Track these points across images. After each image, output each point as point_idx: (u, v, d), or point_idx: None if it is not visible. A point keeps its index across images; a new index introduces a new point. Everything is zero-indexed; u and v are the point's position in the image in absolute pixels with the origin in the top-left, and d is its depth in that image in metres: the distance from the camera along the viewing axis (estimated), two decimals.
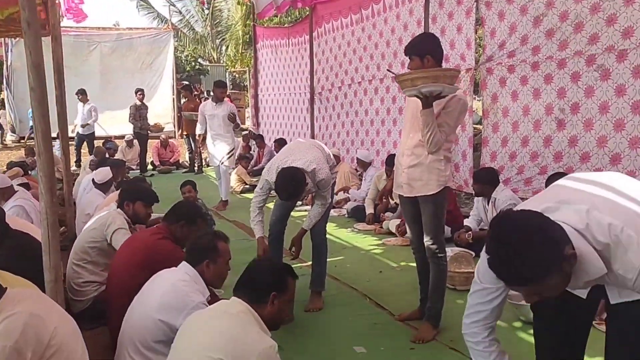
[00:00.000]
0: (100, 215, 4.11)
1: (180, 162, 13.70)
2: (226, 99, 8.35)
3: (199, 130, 8.59)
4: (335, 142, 10.12)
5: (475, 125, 7.54)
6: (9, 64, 16.14)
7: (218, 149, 8.31)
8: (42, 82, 2.78)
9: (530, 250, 1.61)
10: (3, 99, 17.59)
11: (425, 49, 3.47)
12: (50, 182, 2.85)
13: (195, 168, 12.65)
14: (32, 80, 2.75)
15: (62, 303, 2.92)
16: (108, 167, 6.66)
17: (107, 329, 3.50)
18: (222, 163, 8.32)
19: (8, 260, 3.39)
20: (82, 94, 12.66)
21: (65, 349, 2.38)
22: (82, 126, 12.50)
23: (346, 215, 7.63)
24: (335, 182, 4.64)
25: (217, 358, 2.08)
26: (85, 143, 12.78)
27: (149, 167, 13.10)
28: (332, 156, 4.50)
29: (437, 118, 3.43)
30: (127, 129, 13.45)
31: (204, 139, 8.50)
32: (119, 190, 4.49)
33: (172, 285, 2.83)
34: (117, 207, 4.07)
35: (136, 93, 12.55)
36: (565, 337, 2.14)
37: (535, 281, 1.64)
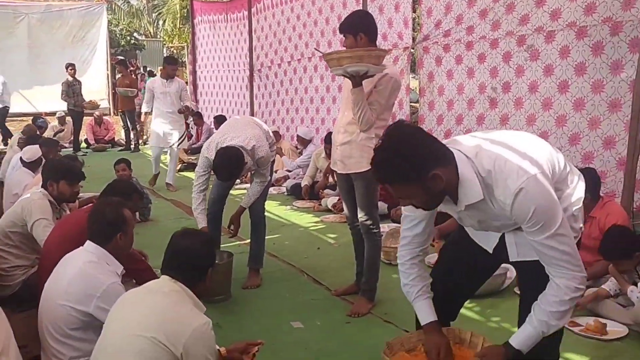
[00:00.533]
0: (22, 198, 3.93)
1: (116, 139, 13.32)
2: (176, 76, 8.15)
3: (145, 108, 8.38)
4: (275, 119, 10.05)
5: (412, 104, 7.66)
6: None
7: (168, 130, 8.12)
8: None
9: (395, 156, 1.85)
10: None
11: (358, 27, 3.48)
12: None
13: (132, 146, 12.32)
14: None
15: None
16: (37, 145, 6.37)
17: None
18: (173, 145, 8.18)
19: None
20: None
21: None
22: None
23: (285, 193, 7.64)
24: (274, 160, 4.62)
25: (150, 337, 2.05)
26: None
27: (83, 145, 12.66)
28: (271, 133, 4.48)
29: (368, 97, 3.46)
30: (59, 106, 12.92)
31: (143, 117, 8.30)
32: None
33: (79, 270, 2.71)
34: (41, 187, 3.90)
35: (67, 68, 12.01)
36: (457, 271, 2.39)
37: (393, 183, 1.91)
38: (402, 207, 2.27)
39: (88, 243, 2.83)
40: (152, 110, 8.27)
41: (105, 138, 13.16)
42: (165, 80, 8.00)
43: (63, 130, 12.80)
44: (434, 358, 2.22)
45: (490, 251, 2.23)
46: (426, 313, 2.28)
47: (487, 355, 2.11)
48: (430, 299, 2.30)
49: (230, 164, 3.78)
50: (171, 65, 8.09)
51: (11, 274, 3.69)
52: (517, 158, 1.92)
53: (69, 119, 12.40)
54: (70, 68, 11.98)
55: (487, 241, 2.22)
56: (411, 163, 1.84)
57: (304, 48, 9.12)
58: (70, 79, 11.87)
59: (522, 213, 1.87)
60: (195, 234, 2.51)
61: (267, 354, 2.92)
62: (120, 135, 13.40)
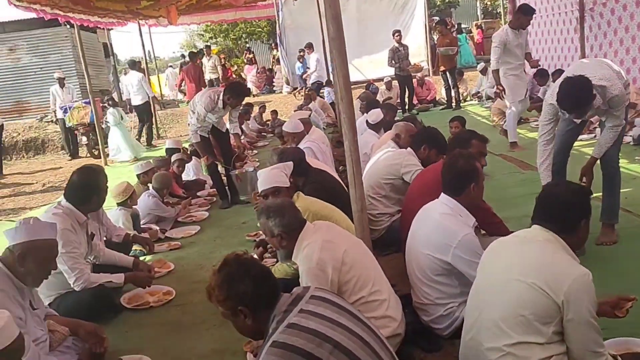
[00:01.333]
0: (391, 154, 4.41)
1: (437, 99, 13.76)
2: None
3: (494, 65, 7.41)
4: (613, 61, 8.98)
5: None
6: (280, 22, 17.83)
7: (519, 86, 7.45)
8: (341, 32, 3.04)
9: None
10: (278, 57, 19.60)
11: None
12: (351, 121, 3.15)
13: (453, 104, 12.54)
14: (332, 31, 3.03)
15: (366, 229, 3.26)
16: (379, 109, 7.04)
17: (401, 255, 3.80)
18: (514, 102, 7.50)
19: (314, 192, 3.92)
20: (308, 47, 14.47)
21: (358, 266, 2.74)
22: None
23: (632, 143, 6.83)
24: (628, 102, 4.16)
25: (529, 282, 2.12)
26: None
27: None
28: (622, 74, 4.04)
29: None
30: (385, 72, 13.92)
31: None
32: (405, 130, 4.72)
33: (436, 222, 2.92)
34: (409, 147, 4.33)
35: (393, 35, 12.75)
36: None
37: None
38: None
39: (442, 195, 3.04)
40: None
41: (428, 98, 13.70)
42: (516, 31, 7.27)
43: (391, 97, 13.78)
44: None
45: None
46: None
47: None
48: None
49: (576, 91, 3.55)
50: (527, 16, 7.26)
51: (379, 219, 4.23)
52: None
53: (395, 83, 13.25)
54: (396, 34, 12.69)
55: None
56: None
57: None
58: (396, 45, 12.60)
59: None
60: (567, 184, 2.46)
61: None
62: (441, 94, 13.79)
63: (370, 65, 17.21)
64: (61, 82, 12.32)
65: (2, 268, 2.77)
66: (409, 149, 4.35)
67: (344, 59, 3.08)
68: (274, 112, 13.19)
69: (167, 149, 7.50)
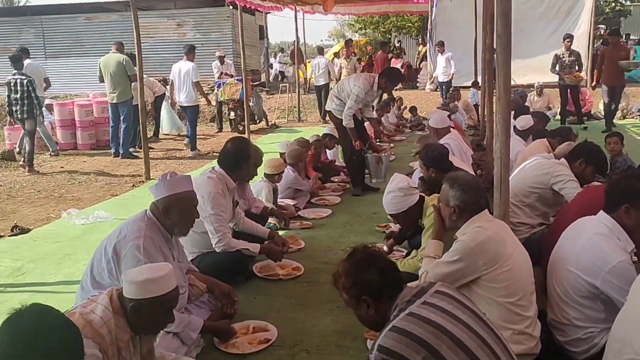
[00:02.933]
0: (542, 162, 4.19)
1: (592, 112, 12.87)
2: None
3: None
4: None
5: None
6: (433, 17, 17.57)
7: None
8: (509, 30, 2.93)
9: None
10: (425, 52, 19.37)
11: None
12: (507, 123, 3.03)
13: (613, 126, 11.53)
14: (500, 28, 2.93)
15: None
16: (529, 116, 6.69)
17: (539, 269, 3.61)
18: None
19: None
20: (440, 46, 14.24)
21: (515, 272, 2.63)
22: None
23: None
24: None
25: None
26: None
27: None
28: None
29: None
30: (537, 78, 13.21)
31: None
32: (567, 147, 4.47)
33: (588, 240, 2.71)
34: (563, 158, 4.10)
35: (564, 40, 11.85)
36: None
37: None
38: None
39: (601, 213, 2.81)
40: None
41: (582, 111, 12.81)
42: None
43: (539, 102, 13.06)
44: None
45: None
46: None
47: None
48: None
49: None
50: None
51: (518, 229, 4.04)
52: None
53: (546, 90, 12.52)
54: (567, 40, 11.74)
55: None
56: None
57: None
58: (563, 50, 11.68)
59: None
60: None
61: None
62: (597, 108, 12.87)
63: (520, 70, 16.42)
64: (221, 59, 13.33)
65: (152, 219, 3.02)
66: (562, 159, 4.10)
67: (508, 57, 2.96)
68: (414, 109, 13.09)
69: (324, 134, 7.66)
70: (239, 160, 4.08)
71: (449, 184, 2.85)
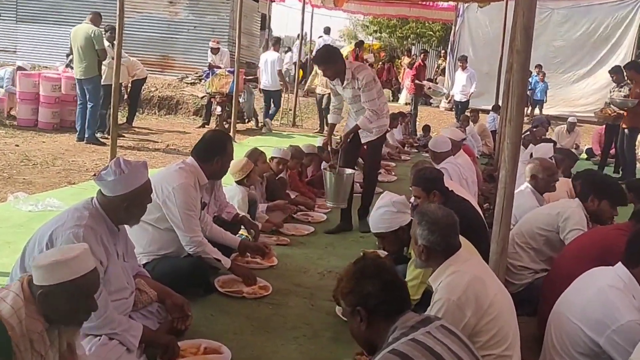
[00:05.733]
0: (556, 204, 4.23)
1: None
2: None
3: None
4: None
5: None
6: (456, 28, 17.78)
7: None
8: (529, 46, 2.98)
9: None
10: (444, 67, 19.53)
11: None
12: (515, 149, 3.07)
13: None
14: (520, 43, 2.97)
15: (502, 278, 3.15)
16: (551, 145, 6.80)
17: (534, 319, 3.63)
18: None
19: None
20: (462, 61, 14.58)
21: (500, 319, 2.62)
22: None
23: None
24: None
25: None
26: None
27: None
28: None
29: None
30: (566, 109, 13.42)
31: None
32: (573, 180, 4.53)
33: (599, 292, 2.73)
34: (576, 197, 4.13)
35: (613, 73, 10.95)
36: None
37: None
38: None
39: (619, 265, 2.81)
40: None
41: None
42: None
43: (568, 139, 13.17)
44: None
45: None
46: None
47: None
48: None
49: None
50: None
51: (519, 272, 4.06)
52: None
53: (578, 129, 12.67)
54: (616, 73, 10.77)
55: None
56: None
57: None
58: (614, 85, 10.92)
59: None
60: None
61: None
62: None
63: (549, 100, 16.64)
64: (215, 51, 13.60)
65: (99, 209, 3.00)
66: (577, 199, 4.14)
67: (525, 76, 3.02)
68: (427, 128, 13.18)
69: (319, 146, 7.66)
70: (213, 151, 4.10)
71: (417, 219, 2.86)
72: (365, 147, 6.05)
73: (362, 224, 5.91)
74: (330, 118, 6.17)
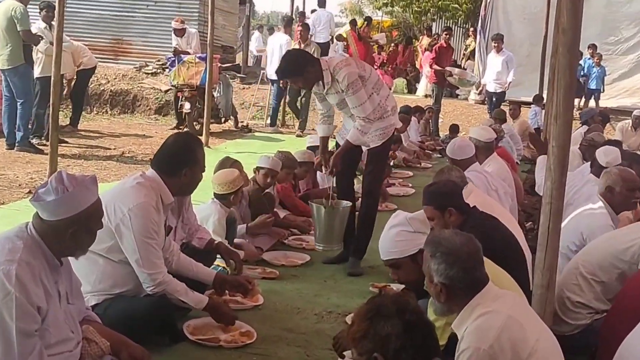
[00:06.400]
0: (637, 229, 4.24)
1: None
2: None
3: None
4: None
5: None
6: (488, 0, 17.86)
7: None
8: (577, 23, 3.00)
9: None
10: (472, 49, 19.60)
11: None
12: (563, 152, 3.08)
13: None
14: (566, 20, 3.00)
15: (548, 319, 3.16)
16: (617, 150, 6.75)
17: None
18: None
19: None
20: (497, 41, 14.45)
21: None
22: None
23: None
24: None
25: None
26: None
27: None
28: None
29: None
30: (630, 102, 13.46)
31: None
32: None
33: None
34: None
35: None
36: None
37: None
38: None
39: None
40: None
41: None
42: None
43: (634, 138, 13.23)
44: None
45: None
46: None
47: None
48: None
49: None
50: None
51: (577, 311, 4.06)
52: None
53: None
54: None
55: None
56: None
57: None
58: None
59: None
60: None
61: None
62: None
63: (607, 89, 16.70)
64: (179, 32, 13.56)
65: (35, 237, 2.97)
66: None
67: (573, 60, 3.04)
68: (454, 128, 13.23)
69: (310, 146, 7.67)
70: (179, 160, 4.06)
71: (430, 250, 2.85)
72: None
73: (352, 264, 5.75)
74: (320, 130, 6.06)
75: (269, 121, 14.11)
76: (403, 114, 11.17)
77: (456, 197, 4.15)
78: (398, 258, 3.53)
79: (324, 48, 14.67)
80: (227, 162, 6.00)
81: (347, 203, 5.75)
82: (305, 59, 5.69)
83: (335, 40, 17.41)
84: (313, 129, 12.24)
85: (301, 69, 5.52)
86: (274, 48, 13.55)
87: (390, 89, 6.07)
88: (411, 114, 12.04)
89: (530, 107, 13.84)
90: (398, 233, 3.54)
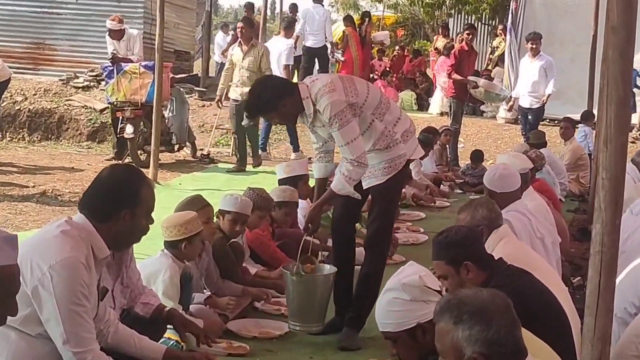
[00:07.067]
0: None
1: None
2: None
3: None
4: None
5: None
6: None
7: None
8: (632, 20, 3.03)
9: None
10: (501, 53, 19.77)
11: None
12: (618, 188, 3.09)
13: None
14: (616, 16, 3.03)
15: None
16: None
17: None
18: None
19: None
20: (534, 42, 14.25)
21: None
22: None
23: None
24: None
25: None
26: None
27: None
28: None
29: None
30: None
31: None
32: None
33: None
34: None
35: None
36: None
37: None
38: None
39: None
40: None
41: None
42: None
43: None
44: None
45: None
46: None
47: None
48: None
49: None
50: None
51: None
52: None
53: None
54: None
55: None
56: None
57: None
58: None
59: None
60: None
61: None
62: None
63: None
64: (116, 33, 13.36)
65: None
66: None
67: (627, 68, 3.06)
68: (478, 155, 13.14)
69: (281, 180, 7.75)
70: (116, 200, 3.98)
71: (451, 317, 2.77)
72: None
73: (346, 335, 5.67)
74: (316, 169, 6.07)
75: (235, 149, 13.94)
76: (421, 142, 11.04)
77: (474, 248, 4.13)
78: (392, 332, 3.56)
79: (318, 55, 14.80)
80: (196, 204, 5.87)
81: (330, 268, 5.66)
82: (279, 89, 5.63)
83: (330, 46, 16.85)
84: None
85: (274, 103, 5.49)
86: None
87: None
88: (434, 140, 12.03)
89: (577, 128, 13.75)
90: (390, 302, 3.58)
